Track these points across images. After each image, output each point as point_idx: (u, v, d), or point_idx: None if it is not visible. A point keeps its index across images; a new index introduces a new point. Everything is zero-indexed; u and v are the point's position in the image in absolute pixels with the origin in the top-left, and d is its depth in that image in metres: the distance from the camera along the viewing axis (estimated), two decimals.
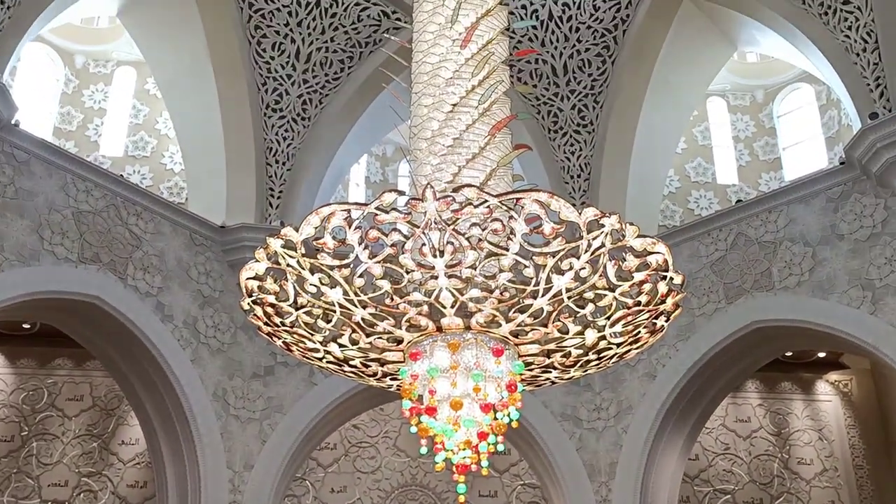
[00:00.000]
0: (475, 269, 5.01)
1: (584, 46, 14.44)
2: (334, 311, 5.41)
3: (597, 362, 5.85)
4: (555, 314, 5.31)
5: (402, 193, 4.93)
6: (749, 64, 18.35)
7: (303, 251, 5.10)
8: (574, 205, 4.94)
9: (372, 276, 5.11)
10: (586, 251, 4.99)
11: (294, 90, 14.20)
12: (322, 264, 5.11)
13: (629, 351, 5.84)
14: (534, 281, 5.06)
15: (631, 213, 13.94)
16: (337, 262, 5.11)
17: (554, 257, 4.98)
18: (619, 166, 14.46)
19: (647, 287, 5.32)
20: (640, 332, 5.67)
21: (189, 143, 14.56)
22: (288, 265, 5.19)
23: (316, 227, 4.94)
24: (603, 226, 4.92)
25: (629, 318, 5.48)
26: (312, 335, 5.67)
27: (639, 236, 5.05)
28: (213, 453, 12.54)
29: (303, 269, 5.17)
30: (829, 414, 17.04)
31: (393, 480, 15.93)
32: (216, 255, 13.38)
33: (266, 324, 5.70)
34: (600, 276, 5.14)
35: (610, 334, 5.57)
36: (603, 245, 4.99)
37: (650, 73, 14.42)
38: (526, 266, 5.01)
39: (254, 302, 5.57)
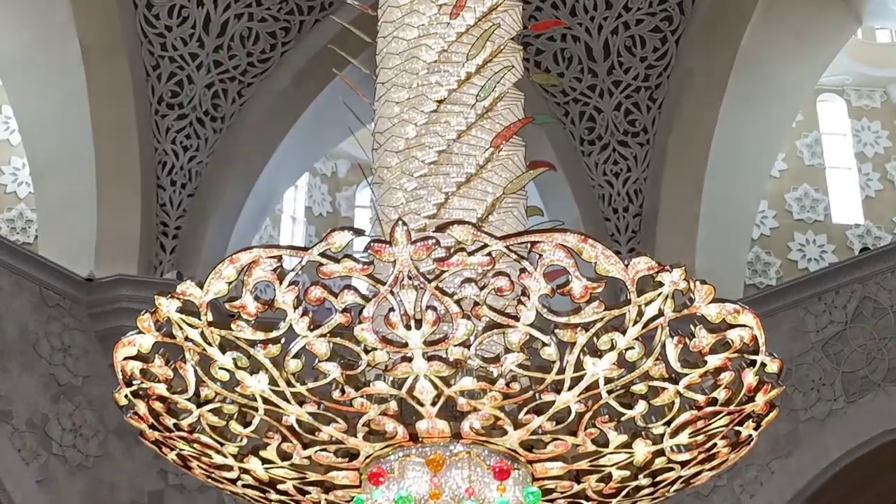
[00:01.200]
0: (469, 347, 5.05)
1: (634, 17, 14.55)
2: (256, 410, 5.43)
3: (651, 491, 5.88)
4: (588, 417, 5.37)
5: (360, 233, 5.01)
6: (879, 46, 18.44)
7: (210, 318, 5.14)
8: (618, 253, 5.06)
9: (314, 356, 5.16)
10: (636, 322, 5.04)
11: (201, 77, 14.27)
12: (239, 338, 5.14)
13: (699, 473, 5.86)
14: (557, 366, 5.11)
15: (704, 265, 13.80)
16: (261, 336, 5.13)
17: (587, 331, 5.02)
18: (686, 195, 14.46)
19: (726, 377, 5.37)
20: (715, 444, 5.68)
21: (40, 155, 14.49)
22: (187, 339, 5.22)
23: (231, 283, 4.99)
24: (661, 284, 4.97)
25: (700, 425, 5.52)
26: (223, 445, 5.66)
27: (714, 300, 5.07)
28: None
29: (210, 344, 5.20)
30: None
31: None
32: (79, 321, 13.31)
33: (153, 427, 5.66)
34: (657, 360, 5.21)
35: (671, 448, 5.61)
36: (661, 313, 5.03)
37: (733, 58, 14.47)
38: (545, 344, 5.07)
39: (135, 394, 5.56)
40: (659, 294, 4.98)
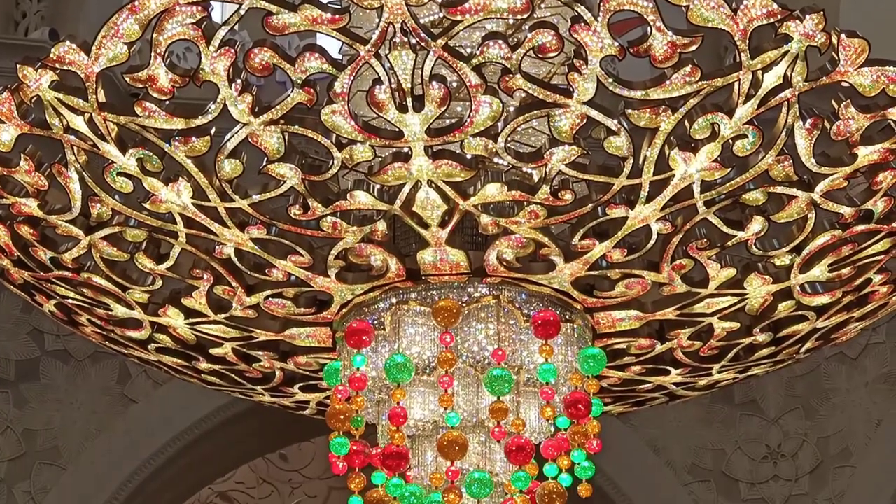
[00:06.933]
0: (496, 137, 4.57)
1: None
2: (175, 236, 5.09)
3: (772, 352, 5.58)
4: (677, 241, 4.98)
5: None
6: None
7: (102, 98, 4.59)
8: None
9: (261, 153, 4.69)
10: (749, 98, 4.49)
11: None
12: (147, 128, 4.65)
13: (845, 325, 5.45)
14: (629, 165, 4.65)
15: (854, 7, 11.73)
16: (180, 124, 4.63)
17: (675, 112, 4.51)
18: None
19: (886, 179, 4.81)
20: (870, 279, 5.24)
21: None
22: (69, 130, 4.71)
23: (131, 44, 4.44)
24: (788, 38, 4.37)
25: (845, 252, 5.07)
26: (126, 290, 5.32)
27: (869, 62, 4.45)
28: None
29: (103, 138, 4.68)
30: None
31: None
32: None
33: (20, 264, 5.31)
34: (780, 156, 4.69)
35: (800, 287, 5.19)
36: (787, 83, 4.46)
37: None
38: (612, 132, 4.58)
39: None
40: (784, 54, 4.36)
